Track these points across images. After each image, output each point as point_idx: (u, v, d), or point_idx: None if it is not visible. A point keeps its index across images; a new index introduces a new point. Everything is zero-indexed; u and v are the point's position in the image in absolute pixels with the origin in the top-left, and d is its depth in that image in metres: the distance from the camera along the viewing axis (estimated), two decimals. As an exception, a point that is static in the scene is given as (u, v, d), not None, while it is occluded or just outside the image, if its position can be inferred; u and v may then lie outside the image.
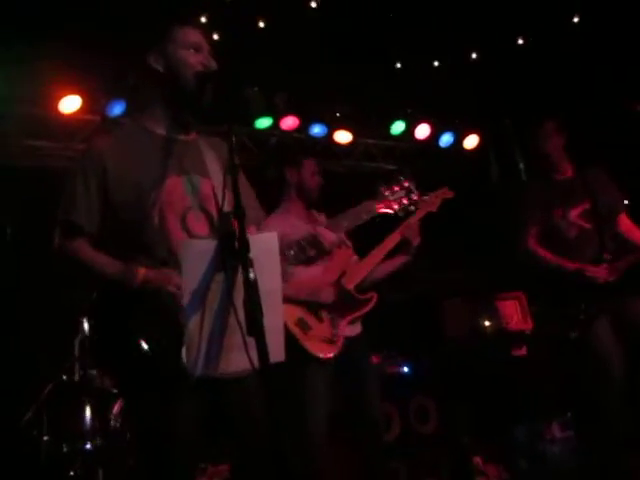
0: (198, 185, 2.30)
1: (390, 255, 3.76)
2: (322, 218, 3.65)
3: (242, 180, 2.19)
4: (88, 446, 4.05)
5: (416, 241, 3.69)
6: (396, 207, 3.01)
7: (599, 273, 3.75)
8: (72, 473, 4.02)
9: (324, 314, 3.46)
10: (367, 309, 3.59)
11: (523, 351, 5.37)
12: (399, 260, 3.78)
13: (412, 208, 3.11)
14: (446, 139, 7.16)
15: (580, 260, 3.82)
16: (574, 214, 3.93)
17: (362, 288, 3.65)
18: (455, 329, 6.08)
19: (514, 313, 4.37)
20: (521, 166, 7.13)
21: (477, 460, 4.65)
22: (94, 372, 4.14)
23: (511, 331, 5.09)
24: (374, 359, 5.43)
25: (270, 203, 3.66)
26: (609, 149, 5.18)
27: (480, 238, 6.62)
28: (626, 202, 4.07)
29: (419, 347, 5.84)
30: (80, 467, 4.03)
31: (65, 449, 4.10)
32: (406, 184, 2.88)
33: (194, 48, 2.27)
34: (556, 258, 3.89)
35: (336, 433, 3.91)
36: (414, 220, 3.65)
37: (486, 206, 6.82)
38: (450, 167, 7.34)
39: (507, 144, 7.30)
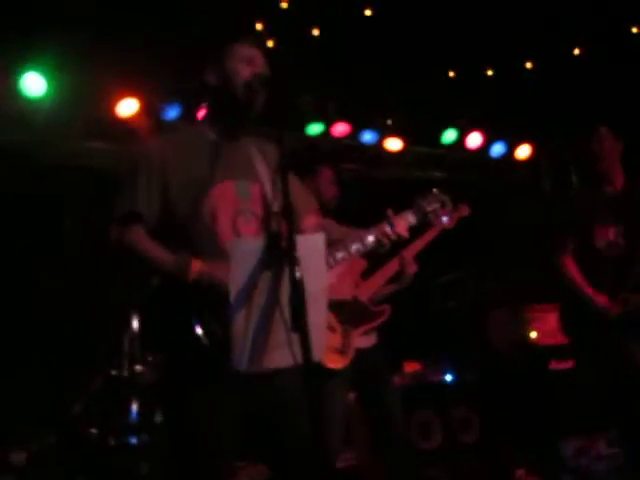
0: (248, 189, 2.37)
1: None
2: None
3: (294, 182, 2.26)
4: (134, 441, 4.17)
5: (412, 270, 3.66)
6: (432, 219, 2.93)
7: (610, 308, 3.54)
8: (118, 466, 4.13)
9: (337, 324, 3.43)
10: (380, 321, 3.59)
11: (569, 364, 5.29)
12: (391, 287, 3.75)
13: (445, 220, 3.09)
14: (498, 149, 7.07)
15: (607, 284, 3.60)
16: (613, 232, 3.69)
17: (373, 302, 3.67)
18: (501, 339, 6.03)
19: (556, 325, 4.30)
20: (574, 179, 7.02)
21: (520, 472, 4.61)
22: (141, 368, 4.25)
23: (555, 343, 5.04)
24: (416, 366, 5.44)
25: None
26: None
27: (529, 249, 6.54)
28: None
29: (464, 356, 5.81)
30: (126, 461, 4.14)
31: (112, 442, 4.21)
32: (440, 196, 2.84)
33: (247, 60, 2.36)
34: (580, 280, 3.69)
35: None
36: (420, 243, 3.65)
37: (536, 218, 6.73)
38: (501, 178, 7.29)
39: (560, 156, 7.20)
